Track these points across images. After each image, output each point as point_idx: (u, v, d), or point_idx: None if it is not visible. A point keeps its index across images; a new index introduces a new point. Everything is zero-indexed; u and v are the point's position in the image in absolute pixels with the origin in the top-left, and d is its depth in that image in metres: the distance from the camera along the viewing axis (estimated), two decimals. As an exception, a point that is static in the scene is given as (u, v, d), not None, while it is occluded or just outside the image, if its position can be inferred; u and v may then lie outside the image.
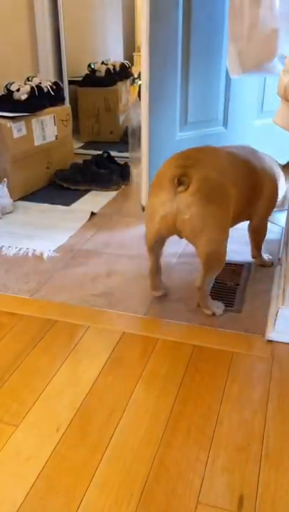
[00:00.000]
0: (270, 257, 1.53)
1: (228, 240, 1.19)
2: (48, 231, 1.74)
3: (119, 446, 0.87)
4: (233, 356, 1.10)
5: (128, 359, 1.09)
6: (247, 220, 1.41)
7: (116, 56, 3.38)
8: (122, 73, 2.99)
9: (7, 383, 1.02)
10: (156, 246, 1.26)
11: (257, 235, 1.47)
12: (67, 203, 2.00)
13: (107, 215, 1.89)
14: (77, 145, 2.74)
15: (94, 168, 2.16)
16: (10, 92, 2.06)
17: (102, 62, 2.96)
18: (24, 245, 1.62)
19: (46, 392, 0.99)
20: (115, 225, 1.80)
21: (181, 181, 1.10)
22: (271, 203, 1.40)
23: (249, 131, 1.97)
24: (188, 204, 1.10)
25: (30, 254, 1.58)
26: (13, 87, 2.07)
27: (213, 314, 1.25)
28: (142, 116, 1.74)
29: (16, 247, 1.61)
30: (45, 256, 1.56)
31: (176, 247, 1.59)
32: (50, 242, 1.64)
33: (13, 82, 2.10)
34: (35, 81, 2.16)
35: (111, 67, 2.89)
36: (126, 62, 3.11)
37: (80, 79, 2.87)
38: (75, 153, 2.49)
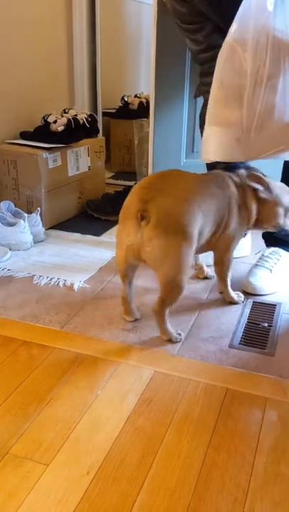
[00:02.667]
0: (240, 294, 1.49)
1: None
2: (78, 261, 1.75)
3: (151, 494, 0.84)
4: (267, 402, 1.07)
5: (159, 400, 1.07)
6: (212, 249, 1.38)
7: (149, 90, 3.45)
8: (155, 106, 3.04)
9: (37, 418, 1.01)
10: (127, 272, 1.31)
11: (220, 267, 1.42)
12: (98, 234, 2.01)
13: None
14: (108, 175, 2.78)
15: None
16: (47, 124, 2.12)
17: (136, 96, 3.03)
18: (55, 275, 1.64)
19: (77, 430, 0.98)
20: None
21: (143, 216, 1.15)
22: (236, 235, 1.36)
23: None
24: (150, 237, 1.15)
25: (61, 284, 1.58)
26: (50, 119, 2.12)
27: (170, 340, 1.28)
28: (149, 141, 1.86)
29: (47, 277, 1.62)
30: (75, 287, 1.57)
31: (206, 284, 1.58)
32: (80, 273, 1.65)
33: (50, 114, 2.15)
34: (72, 113, 2.22)
35: (144, 101, 2.95)
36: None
37: (114, 111, 2.94)
38: (106, 183, 2.52)
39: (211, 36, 1.45)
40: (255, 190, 1.34)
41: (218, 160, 1.32)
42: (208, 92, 1.59)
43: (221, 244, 1.35)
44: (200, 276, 1.63)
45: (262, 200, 1.35)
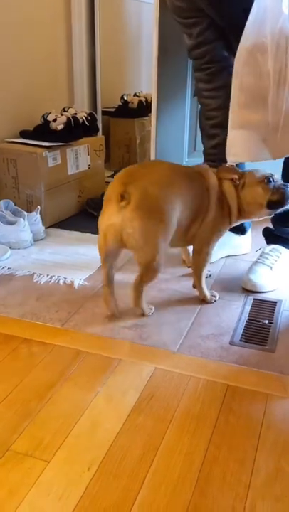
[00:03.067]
0: (214, 293, 1.48)
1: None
2: (78, 259, 1.75)
3: (152, 490, 0.84)
4: (268, 398, 1.07)
5: (160, 397, 1.07)
6: (193, 240, 1.39)
7: (148, 88, 3.45)
8: (154, 105, 3.04)
9: (39, 415, 1.01)
10: (108, 258, 1.34)
11: (197, 259, 1.42)
12: (97, 232, 2.00)
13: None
14: (107, 173, 2.78)
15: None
16: (47, 122, 2.12)
17: (135, 94, 3.03)
18: (55, 273, 1.64)
19: (78, 426, 0.98)
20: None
21: (123, 196, 1.20)
22: (215, 227, 1.37)
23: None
24: (130, 218, 1.21)
25: (61, 282, 1.58)
26: (50, 118, 2.12)
27: (143, 314, 1.38)
28: (151, 140, 1.92)
29: (48, 275, 1.62)
30: (76, 285, 1.57)
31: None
32: (80, 271, 1.65)
33: (49, 113, 2.15)
34: (71, 111, 2.22)
35: (143, 99, 2.95)
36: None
37: (113, 109, 2.93)
38: (106, 182, 2.52)
39: (206, 32, 1.45)
40: (232, 181, 1.37)
41: (245, 161, 1.34)
42: (201, 90, 1.59)
43: (201, 234, 1.37)
44: (189, 265, 1.63)
45: (240, 189, 1.36)
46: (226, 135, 1.32)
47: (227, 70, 1.42)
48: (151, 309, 1.40)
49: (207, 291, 1.47)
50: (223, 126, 1.35)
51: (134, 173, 1.25)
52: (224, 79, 1.45)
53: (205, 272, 1.45)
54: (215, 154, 1.59)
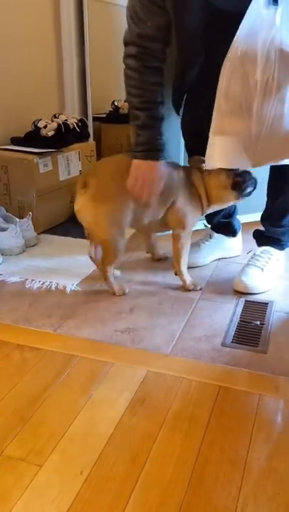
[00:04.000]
0: (196, 283, 1.55)
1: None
2: (70, 265, 1.76)
3: (145, 491, 0.84)
4: (259, 399, 1.07)
5: (152, 399, 1.07)
6: (166, 226, 1.52)
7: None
8: (145, 110, 3.06)
9: (31, 420, 1.01)
10: (90, 236, 1.55)
11: (175, 244, 1.52)
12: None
13: (129, 250, 1.90)
14: (99, 179, 2.79)
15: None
16: (37, 129, 2.13)
17: (126, 100, 3.04)
18: (47, 279, 1.64)
19: (70, 430, 0.98)
20: (137, 259, 1.81)
21: (84, 184, 1.40)
22: (187, 212, 1.48)
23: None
24: (86, 203, 1.40)
25: (53, 287, 1.59)
26: (41, 124, 2.13)
27: (113, 294, 1.51)
28: None
29: (40, 281, 1.62)
30: (68, 290, 1.57)
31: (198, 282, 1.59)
32: (73, 276, 1.66)
33: (40, 119, 2.16)
34: (62, 118, 2.23)
35: (134, 105, 2.96)
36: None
37: (104, 115, 2.95)
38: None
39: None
40: (199, 169, 1.49)
41: (223, 167, 1.37)
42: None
43: (173, 219, 1.49)
44: (154, 258, 1.78)
45: (206, 175, 1.48)
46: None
47: None
48: (123, 289, 1.52)
49: (188, 278, 1.55)
50: None
51: (96, 165, 1.50)
52: None
53: (185, 258, 1.53)
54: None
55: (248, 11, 1.16)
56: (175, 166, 1.51)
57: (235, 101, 1.23)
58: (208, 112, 1.28)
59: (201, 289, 1.54)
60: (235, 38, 1.18)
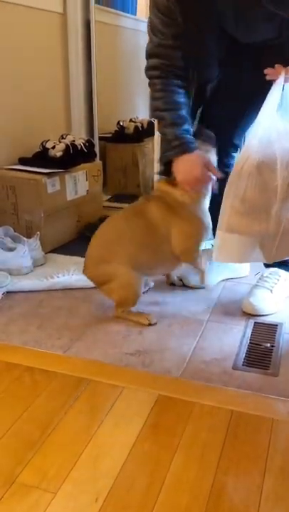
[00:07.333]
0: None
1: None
2: (78, 284, 1.75)
3: (161, 520, 0.83)
4: (273, 423, 1.07)
5: (165, 424, 1.06)
6: (176, 260, 1.53)
7: (144, 114, 3.51)
8: (150, 130, 3.09)
9: (44, 445, 1.00)
10: None
11: (193, 264, 1.57)
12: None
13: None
14: (104, 198, 2.81)
15: (123, 222, 2.20)
16: (45, 149, 2.15)
17: (131, 120, 3.08)
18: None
19: (84, 456, 0.97)
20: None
21: None
22: (188, 234, 1.49)
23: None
24: (87, 266, 1.54)
25: (62, 308, 1.58)
26: (49, 145, 2.16)
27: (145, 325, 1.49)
28: (155, 166, 2.05)
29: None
30: (77, 311, 1.57)
31: (207, 306, 1.59)
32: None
33: (48, 140, 2.19)
34: (69, 138, 2.25)
35: (139, 125, 3.00)
36: (153, 119, 3.23)
37: (110, 135, 2.98)
38: (104, 206, 2.55)
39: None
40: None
41: (234, 262, 1.50)
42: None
43: (178, 248, 1.48)
44: (168, 282, 1.77)
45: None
46: None
47: None
48: (151, 321, 1.50)
49: (176, 277, 1.73)
50: None
51: (98, 230, 1.56)
52: None
53: (204, 261, 1.56)
54: None
55: (261, 118, 1.24)
56: (146, 207, 1.51)
57: (253, 204, 1.27)
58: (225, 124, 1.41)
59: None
60: (247, 143, 1.26)
